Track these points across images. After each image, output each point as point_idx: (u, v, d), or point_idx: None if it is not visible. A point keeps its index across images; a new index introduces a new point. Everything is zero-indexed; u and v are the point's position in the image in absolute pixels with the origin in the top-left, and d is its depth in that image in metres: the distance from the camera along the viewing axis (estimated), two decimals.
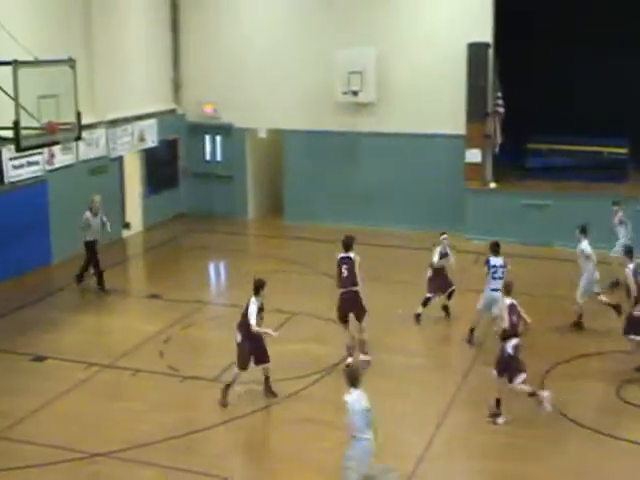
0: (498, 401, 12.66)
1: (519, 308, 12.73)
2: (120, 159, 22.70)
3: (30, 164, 19.22)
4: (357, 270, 14.32)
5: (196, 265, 20.95)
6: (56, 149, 19.51)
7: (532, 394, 12.50)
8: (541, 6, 23.24)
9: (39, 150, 18.59)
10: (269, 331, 13.05)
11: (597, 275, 15.97)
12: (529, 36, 23.71)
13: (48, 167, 19.87)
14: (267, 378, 13.36)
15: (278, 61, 23.86)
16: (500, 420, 12.57)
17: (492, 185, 22.49)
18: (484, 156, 22.35)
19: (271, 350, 13.21)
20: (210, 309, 17.78)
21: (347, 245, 14.59)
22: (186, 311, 17.05)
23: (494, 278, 15.04)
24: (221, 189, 25.06)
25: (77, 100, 16.84)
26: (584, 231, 15.97)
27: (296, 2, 23.84)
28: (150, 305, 17.93)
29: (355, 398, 9.97)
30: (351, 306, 14.44)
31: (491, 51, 22.05)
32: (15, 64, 15.12)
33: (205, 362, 14.90)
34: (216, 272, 21.53)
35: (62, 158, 20.20)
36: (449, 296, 16.53)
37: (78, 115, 16.90)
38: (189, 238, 23.25)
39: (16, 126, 15.21)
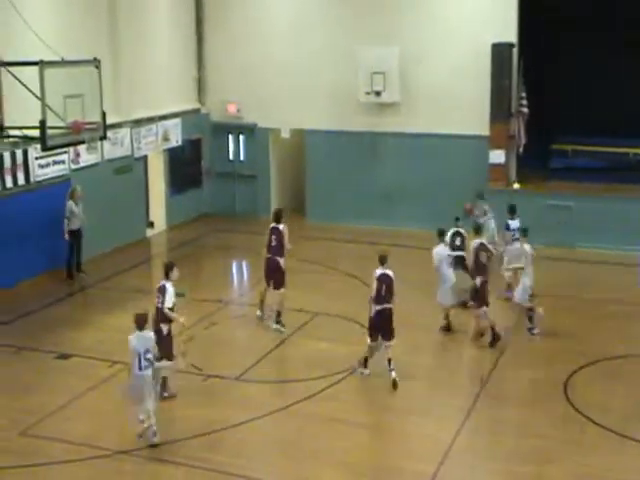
0: (366, 359, 13.92)
1: (393, 280, 13.46)
2: (144, 158, 22.86)
3: (56, 163, 19.37)
4: (286, 240, 15.65)
5: (219, 264, 21.03)
6: (81, 148, 19.63)
7: (365, 360, 13.86)
8: (566, 5, 23.11)
9: (65, 149, 18.78)
10: (181, 319, 12.90)
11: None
12: (554, 36, 23.59)
13: (73, 166, 20.01)
14: (166, 378, 13.12)
15: (301, 62, 23.88)
16: (366, 372, 13.90)
17: (516, 186, 22.38)
18: (508, 157, 22.26)
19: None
20: (233, 308, 17.84)
21: (277, 217, 15.89)
22: (209, 310, 17.10)
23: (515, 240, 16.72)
24: (244, 189, 25.14)
25: (102, 100, 16.99)
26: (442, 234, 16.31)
27: (320, 2, 23.89)
28: None
29: (133, 338, 11.62)
30: (273, 273, 15.70)
31: (515, 51, 21.97)
32: (41, 64, 15.28)
33: (228, 361, 14.97)
34: (239, 271, 21.61)
35: (87, 157, 20.31)
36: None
37: (103, 115, 17.05)
38: (212, 237, 23.34)
39: (42, 125, 15.36)
